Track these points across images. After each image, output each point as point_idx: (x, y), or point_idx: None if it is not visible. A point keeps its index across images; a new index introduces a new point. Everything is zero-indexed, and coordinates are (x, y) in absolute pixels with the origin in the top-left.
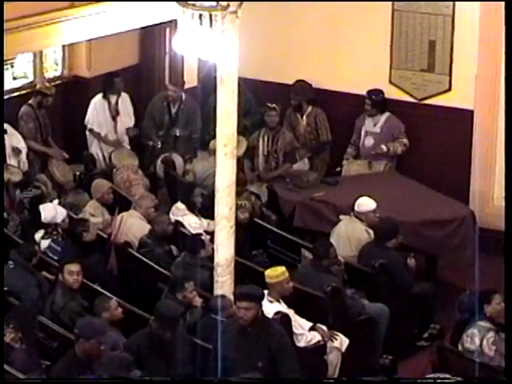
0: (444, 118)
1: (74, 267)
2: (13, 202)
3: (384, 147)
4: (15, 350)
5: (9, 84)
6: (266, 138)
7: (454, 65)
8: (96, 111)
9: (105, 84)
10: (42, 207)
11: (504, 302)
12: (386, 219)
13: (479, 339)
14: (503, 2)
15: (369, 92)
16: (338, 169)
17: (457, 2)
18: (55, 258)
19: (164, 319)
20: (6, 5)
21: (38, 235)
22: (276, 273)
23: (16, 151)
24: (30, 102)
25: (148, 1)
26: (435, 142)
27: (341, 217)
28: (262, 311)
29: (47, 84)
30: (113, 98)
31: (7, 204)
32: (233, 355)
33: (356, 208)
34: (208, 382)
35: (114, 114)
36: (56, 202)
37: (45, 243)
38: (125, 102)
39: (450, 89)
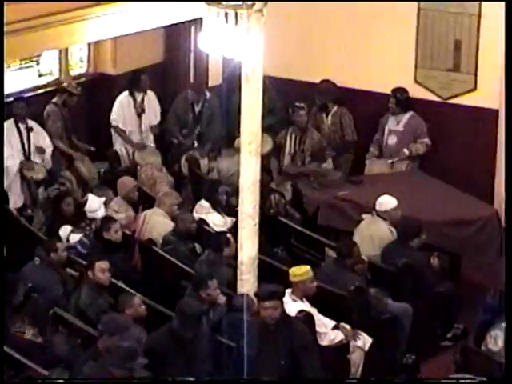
0: (469, 117)
1: (105, 264)
2: (35, 199)
3: (406, 151)
4: (35, 346)
5: (34, 81)
6: (293, 137)
7: (479, 64)
8: (121, 108)
9: (130, 81)
10: (90, 197)
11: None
12: (409, 218)
13: (502, 341)
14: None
15: (393, 91)
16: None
17: (483, 2)
18: (83, 252)
19: (186, 317)
20: (32, 2)
21: (64, 231)
22: (300, 272)
23: (40, 150)
24: (55, 100)
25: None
26: (460, 141)
27: (363, 216)
28: (284, 309)
29: (74, 83)
30: (138, 96)
31: (30, 201)
32: (256, 353)
33: (377, 207)
34: (212, 382)
35: (140, 111)
36: (103, 199)
37: (75, 237)
38: (151, 99)
39: (475, 88)
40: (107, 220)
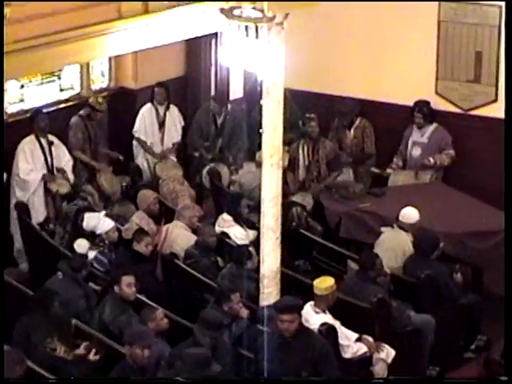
0: (490, 128)
1: (131, 279)
2: (58, 213)
3: (432, 159)
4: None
5: (56, 96)
6: (305, 149)
7: (500, 76)
8: (143, 120)
9: (152, 94)
10: (86, 216)
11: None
12: (427, 230)
13: None
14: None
15: (417, 103)
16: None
17: (504, 13)
18: (101, 269)
19: (207, 325)
20: (54, 16)
21: (80, 247)
22: (325, 285)
23: (61, 171)
24: (81, 113)
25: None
26: (482, 152)
27: (382, 229)
28: (301, 322)
29: (100, 99)
30: (161, 109)
31: (53, 215)
32: (277, 366)
33: (400, 218)
34: (211, 383)
35: (161, 123)
36: (103, 213)
37: (91, 254)
38: (173, 113)
39: (496, 100)
40: (140, 232)
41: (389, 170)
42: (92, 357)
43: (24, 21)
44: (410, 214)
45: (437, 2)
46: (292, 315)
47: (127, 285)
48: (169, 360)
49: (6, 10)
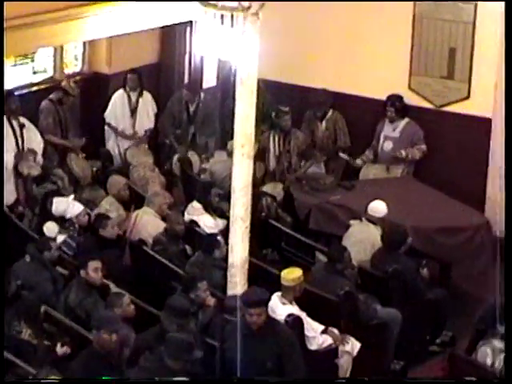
0: (462, 125)
1: (98, 264)
2: (28, 196)
3: (403, 152)
4: (25, 344)
5: (29, 78)
6: (276, 139)
7: (473, 73)
8: (115, 106)
9: (124, 80)
10: (55, 200)
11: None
12: (395, 227)
13: (491, 360)
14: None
15: (389, 97)
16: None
17: (478, 10)
18: (69, 253)
19: (173, 311)
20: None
21: (49, 230)
22: (293, 276)
23: (32, 152)
24: (51, 96)
25: (171, 0)
26: (453, 149)
27: (351, 222)
28: (269, 314)
29: (72, 84)
30: (133, 95)
31: (23, 198)
32: (243, 356)
33: (369, 211)
34: (211, 383)
35: (133, 110)
36: (72, 197)
37: (60, 238)
38: (146, 100)
39: (468, 96)
40: (102, 217)
41: (358, 161)
42: (59, 349)
43: None
44: (378, 208)
45: None
46: (260, 309)
47: (93, 270)
48: (134, 347)
49: None
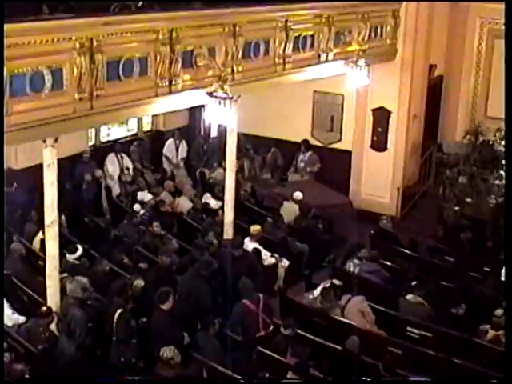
0: (337, 154)
1: (158, 224)
2: (126, 190)
3: (308, 168)
4: None
5: (124, 133)
6: (247, 162)
7: (343, 128)
8: (168, 147)
9: (173, 133)
10: (138, 193)
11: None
12: (305, 204)
13: (353, 268)
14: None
15: (302, 141)
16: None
17: (345, 99)
18: (145, 220)
19: (198, 247)
20: (127, 94)
21: (135, 207)
22: (256, 229)
23: (127, 169)
24: (135, 143)
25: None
26: (333, 166)
27: (284, 202)
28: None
29: (143, 135)
30: (177, 141)
31: (123, 192)
32: (229, 270)
33: (293, 196)
34: (211, 383)
35: (177, 149)
36: (146, 191)
37: (141, 212)
38: (183, 144)
39: (340, 139)
40: (161, 201)
41: (288, 173)
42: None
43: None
44: (298, 195)
45: (312, 91)
46: (239, 249)
47: (156, 226)
48: (177, 266)
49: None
